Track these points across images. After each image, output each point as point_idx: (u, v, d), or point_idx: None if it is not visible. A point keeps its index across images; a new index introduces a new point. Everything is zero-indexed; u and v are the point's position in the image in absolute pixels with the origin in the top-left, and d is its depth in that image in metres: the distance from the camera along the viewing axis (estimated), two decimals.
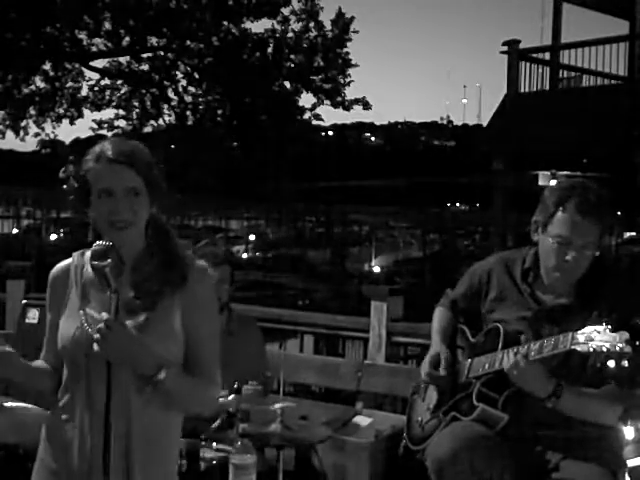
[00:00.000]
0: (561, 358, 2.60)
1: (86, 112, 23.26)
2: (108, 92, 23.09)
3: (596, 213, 2.63)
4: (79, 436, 2.07)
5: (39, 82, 22.33)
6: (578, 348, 2.45)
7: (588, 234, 2.64)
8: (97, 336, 1.97)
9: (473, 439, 2.64)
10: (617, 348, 2.37)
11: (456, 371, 2.89)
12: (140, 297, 2.11)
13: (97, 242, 2.03)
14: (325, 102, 23.16)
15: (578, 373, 2.64)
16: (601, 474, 2.60)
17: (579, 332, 2.46)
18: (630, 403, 2.68)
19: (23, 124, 22.78)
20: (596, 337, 2.41)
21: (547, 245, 2.70)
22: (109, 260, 1.99)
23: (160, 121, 23.34)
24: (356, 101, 23.41)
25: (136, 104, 23.24)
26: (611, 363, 2.39)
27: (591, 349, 2.41)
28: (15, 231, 25.47)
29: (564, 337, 2.51)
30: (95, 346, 1.97)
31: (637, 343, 2.38)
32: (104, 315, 1.99)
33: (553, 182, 14.41)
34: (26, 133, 22.99)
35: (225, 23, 22.00)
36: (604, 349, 2.39)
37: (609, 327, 2.41)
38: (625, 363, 2.37)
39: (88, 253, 2.12)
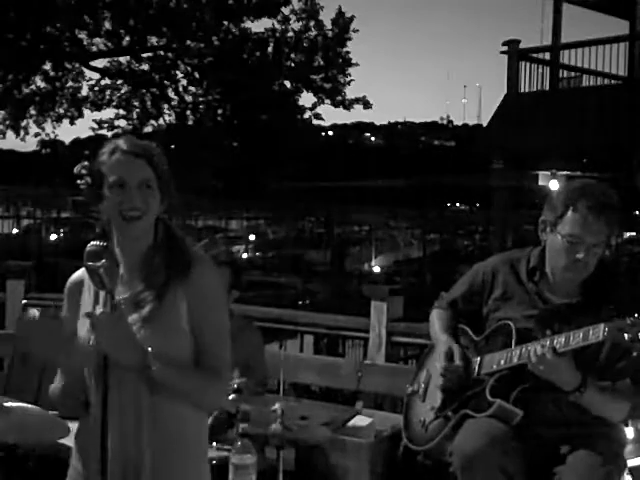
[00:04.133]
0: (577, 352, 2.59)
1: (86, 112, 23.32)
2: (108, 92, 23.11)
3: (606, 212, 2.66)
4: (92, 437, 2.08)
5: (39, 82, 22.39)
6: (612, 339, 2.46)
7: (599, 233, 2.67)
8: (92, 332, 1.99)
9: (498, 436, 2.65)
10: None
11: (468, 366, 2.88)
12: (146, 290, 2.12)
13: (91, 243, 2.04)
14: (325, 101, 23.16)
15: (591, 367, 2.65)
16: (603, 467, 2.61)
17: (611, 322, 2.47)
18: (638, 401, 2.69)
19: (23, 124, 22.81)
20: (631, 327, 2.42)
21: (557, 244, 2.71)
22: (103, 261, 2.00)
23: (160, 121, 23.37)
24: (356, 100, 23.43)
25: (136, 104, 23.26)
26: None
27: (626, 338, 2.42)
28: (15, 231, 25.45)
29: (594, 328, 2.51)
30: (91, 340, 2.00)
31: None
32: (99, 310, 2.01)
33: (553, 182, 14.43)
34: (26, 133, 23.03)
35: (225, 23, 22.01)
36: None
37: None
38: None
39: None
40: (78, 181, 2.18)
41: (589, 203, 2.65)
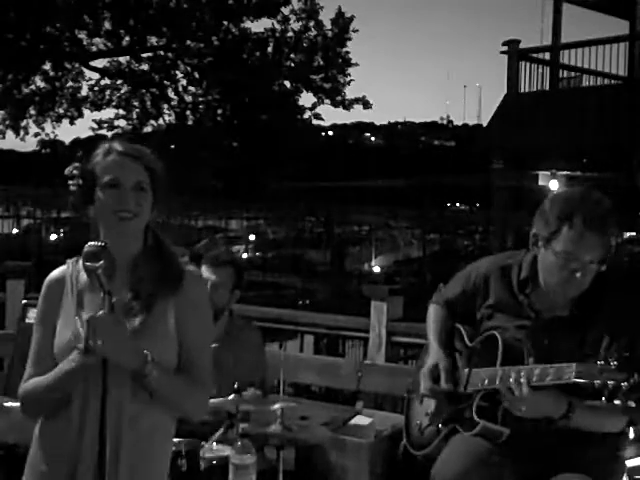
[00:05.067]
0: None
1: (86, 112, 23.32)
2: (108, 92, 23.11)
3: (604, 227, 2.53)
4: (75, 440, 2.06)
5: (39, 82, 22.39)
6: (582, 381, 2.37)
7: (595, 249, 2.53)
8: (91, 335, 1.97)
9: (481, 458, 2.61)
10: (623, 386, 2.30)
11: (455, 382, 2.84)
12: (136, 299, 2.11)
13: (89, 243, 2.03)
14: (325, 101, 23.16)
15: (580, 396, 2.57)
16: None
17: (582, 365, 2.38)
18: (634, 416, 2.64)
19: (23, 124, 22.81)
20: (601, 374, 2.33)
21: (550, 261, 2.59)
22: (102, 262, 1.98)
23: (160, 121, 23.36)
24: (356, 100, 23.42)
25: (136, 104, 23.25)
26: (617, 401, 2.32)
27: (596, 385, 2.34)
28: (15, 231, 25.47)
29: (567, 368, 2.41)
30: (82, 343, 1.98)
31: None
32: (100, 312, 1.99)
33: (553, 182, 14.43)
34: (26, 133, 23.02)
35: (225, 23, 22.01)
36: (609, 386, 2.31)
37: (615, 363, 2.32)
38: (632, 404, 2.31)
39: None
40: (69, 182, 2.16)
41: (586, 219, 2.51)
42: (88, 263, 2.00)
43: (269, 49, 22.75)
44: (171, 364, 2.12)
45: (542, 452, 2.68)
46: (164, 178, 2.19)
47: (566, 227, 2.53)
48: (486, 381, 2.67)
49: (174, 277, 2.15)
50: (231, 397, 3.10)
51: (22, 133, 22.94)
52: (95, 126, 23.38)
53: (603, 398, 2.35)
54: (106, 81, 23.13)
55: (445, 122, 71.01)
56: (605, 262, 2.58)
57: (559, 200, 2.63)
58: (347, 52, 22.87)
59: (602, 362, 2.34)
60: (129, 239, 2.15)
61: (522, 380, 2.49)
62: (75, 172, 2.16)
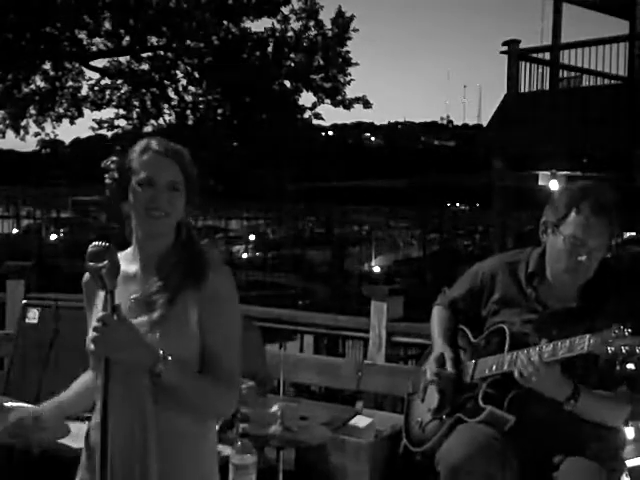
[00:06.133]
0: (573, 359, 2.56)
1: (86, 112, 23.27)
2: (108, 92, 23.08)
3: (609, 215, 2.65)
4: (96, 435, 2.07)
5: (39, 81, 22.34)
6: (596, 351, 2.43)
7: (601, 236, 2.65)
8: (92, 334, 1.97)
9: (485, 443, 2.63)
10: (637, 351, 2.36)
11: (460, 372, 2.87)
12: (161, 292, 2.12)
13: (93, 243, 2.03)
14: (325, 101, 23.14)
15: (589, 375, 2.62)
16: (598, 472, 2.60)
17: (596, 334, 2.44)
18: (638, 405, 2.67)
19: (23, 123, 22.77)
20: (615, 340, 2.39)
21: (558, 246, 2.69)
22: (105, 262, 1.99)
23: (160, 121, 23.35)
24: (356, 100, 23.39)
25: (136, 104, 23.22)
26: (630, 366, 2.39)
27: (609, 351, 2.39)
28: (15, 231, 25.48)
29: (580, 339, 2.48)
30: (92, 346, 1.98)
31: None
32: (100, 314, 1.99)
33: (553, 182, 14.43)
34: (26, 132, 22.97)
35: (225, 22, 21.99)
36: (623, 352, 2.37)
37: (629, 330, 2.38)
38: None
39: (119, 254, 2.08)
40: (105, 175, 2.18)
41: (592, 205, 2.63)
42: (91, 263, 2.00)
43: (269, 49, 22.73)
44: (190, 361, 2.09)
45: (546, 441, 2.70)
46: (196, 179, 2.20)
47: (574, 212, 2.66)
48: (494, 367, 2.73)
49: (198, 269, 2.14)
50: None
51: (22, 133, 22.91)
52: (95, 126, 23.39)
53: (618, 367, 2.43)
54: (106, 81, 23.12)
55: (445, 122, 71.10)
56: (609, 250, 2.69)
57: (568, 190, 2.78)
58: (347, 52, 22.84)
59: (617, 330, 2.40)
60: (159, 236, 2.17)
61: (534, 359, 2.55)
62: (112, 166, 2.18)
